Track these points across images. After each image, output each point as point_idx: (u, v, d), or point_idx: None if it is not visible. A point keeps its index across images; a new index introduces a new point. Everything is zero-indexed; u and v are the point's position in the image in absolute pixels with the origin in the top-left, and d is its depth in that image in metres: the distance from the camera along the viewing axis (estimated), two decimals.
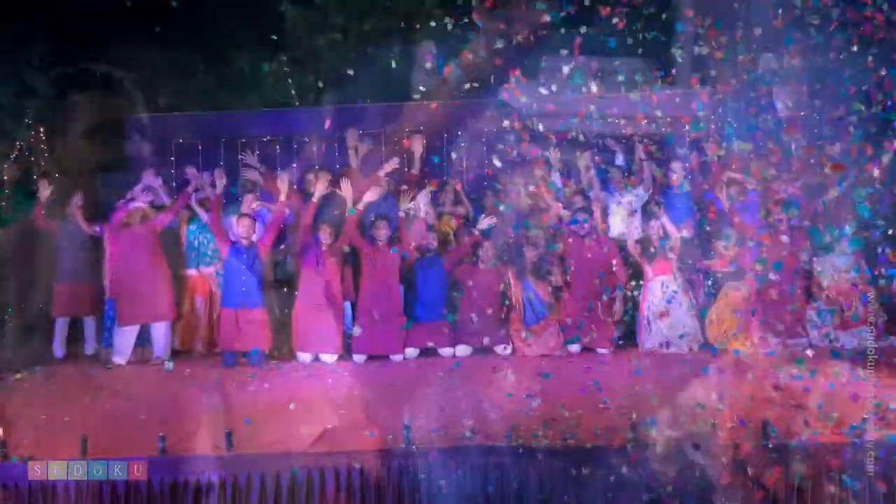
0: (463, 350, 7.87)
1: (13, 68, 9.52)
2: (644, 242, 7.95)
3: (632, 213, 8.32)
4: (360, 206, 7.86)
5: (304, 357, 7.81)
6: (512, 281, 7.94)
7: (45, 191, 8.40)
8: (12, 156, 9.51)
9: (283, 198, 7.89)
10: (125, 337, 7.95)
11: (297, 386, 6.86)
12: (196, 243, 8.33)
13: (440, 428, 5.20)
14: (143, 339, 8.08)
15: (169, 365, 7.72)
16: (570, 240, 7.95)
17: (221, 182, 7.91)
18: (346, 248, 7.99)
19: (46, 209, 8.42)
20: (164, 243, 8.40)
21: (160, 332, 8.02)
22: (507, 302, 7.99)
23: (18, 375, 7.64)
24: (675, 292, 7.75)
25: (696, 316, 7.82)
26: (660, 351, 7.66)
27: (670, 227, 7.89)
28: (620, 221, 8.39)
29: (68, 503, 4.82)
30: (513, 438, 5.00)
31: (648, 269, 7.89)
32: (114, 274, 7.95)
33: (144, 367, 7.82)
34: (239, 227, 7.83)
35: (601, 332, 7.79)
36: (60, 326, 8.42)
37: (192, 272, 8.36)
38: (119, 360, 7.94)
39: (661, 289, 7.80)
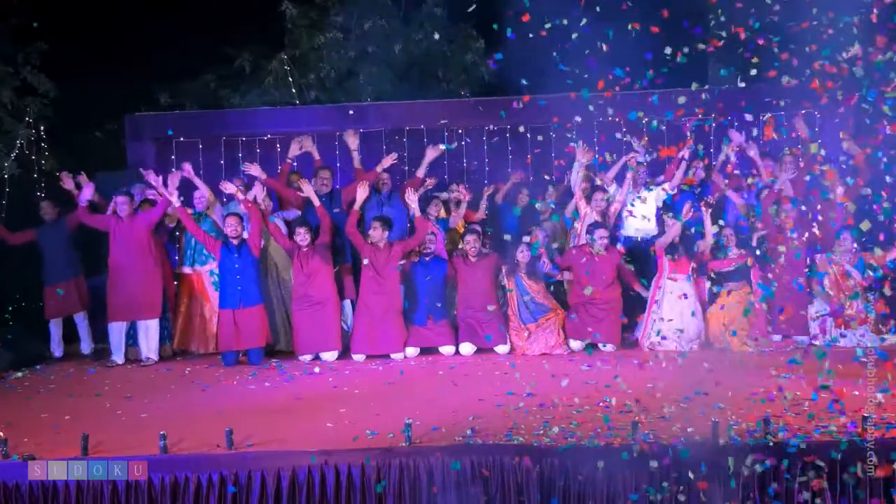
0: (465, 349, 7.87)
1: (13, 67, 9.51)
2: (674, 241, 7.79)
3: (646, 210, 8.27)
4: (356, 207, 7.85)
5: (305, 356, 7.81)
6: (506, 281, 7.95)
7: None
8: (12, 155, 9.52)
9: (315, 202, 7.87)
10: (115, 334, 7.96)
11: (297, 385, 6.87)
12: (193, 241, 8.27)
13: (440, 426, 5.21)
14: (136, 339, 8.10)
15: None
16: (584, 259, 7.87)
17: (175, 195, 7.77)
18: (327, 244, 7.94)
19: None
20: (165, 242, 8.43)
21: (147, 333, 7.98)
22: (504, 295, 8.01)
23: (19, 374, 7.65)
24: (684, 293, 7.72)
25: (701, 317, 7.81)
26: (660, 349, 7.65)
27: (709, 228, 7.74)
28: (638, 219, 8.34)
29: (68, 503, 4.83)
30: (513, 437, 5.00)
31: (667, 267, 7.81)
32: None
33: (144, 367, 7.82)
34: (226, 227, 7.80)
35: (608, 329, 7.78)
36: (55, 327, 8.42)
37: (187, 270, 8.34)
38: (118, 358, 7.94)
39: (675, 288, 7.72)
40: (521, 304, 7.87)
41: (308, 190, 7.91)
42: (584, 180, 8.41)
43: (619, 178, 8.56)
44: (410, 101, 10.25)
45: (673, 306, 7.68)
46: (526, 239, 7.97)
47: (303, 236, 7.79)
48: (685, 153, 8.30)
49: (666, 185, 8.41)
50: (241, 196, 7.87)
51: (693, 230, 7.89)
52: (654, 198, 8.39)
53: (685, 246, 7.79)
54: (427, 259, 7.96)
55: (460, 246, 8.49)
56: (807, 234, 7.79)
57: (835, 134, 8.23)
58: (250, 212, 7.80)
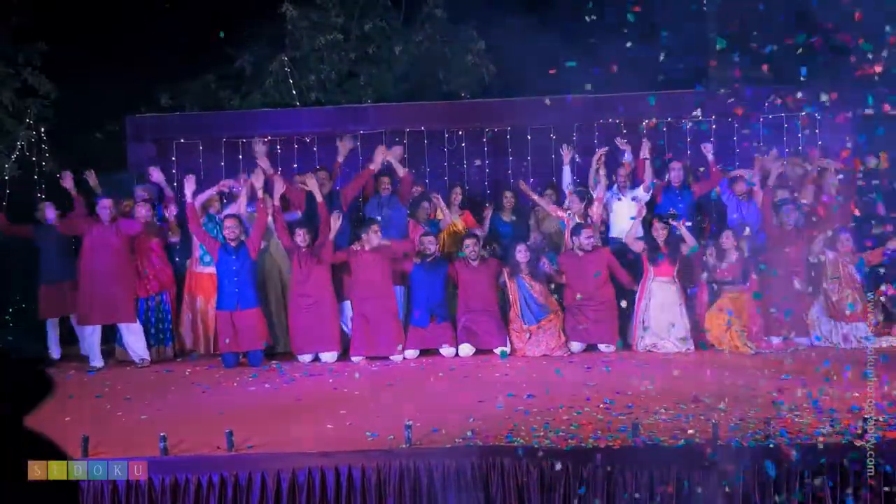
0: (465, 350, 7.86)
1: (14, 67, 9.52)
2: (650, 243, 7.88)
3: (634, 213, 8.26)
4: (331, 237, 7.80)
5: (304, 357, 7.81)
6: (507, 281, 7.94)
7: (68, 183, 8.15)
8: (13, 156, 9.52)
9: (318, 198, 7.87)
10: (89, 337, 7.92)
11: (297, 386, 6.86)
12: None
13: (440, 428, 5.20)
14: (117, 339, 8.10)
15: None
16: (569, 259, 7.94)
17: (191, 189, 7.78)
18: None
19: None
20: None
21: (133, 334, 7.94)
22: (506, 301, 8.01)
23: None
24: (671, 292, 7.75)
25: (692, 318, 7.81)
26: (655, 351, 7.67)
27: (688, 236, 7.80)
28: (623, 220, 8.33)
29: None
30: (514, 438, 5.00)
31: (651, 270, 7.86)
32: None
33: (143, 369, 7.82)
34: (225, 229, 7.78)
35: (605, 330, 7.79)
36: (51, 327, 8.37)
37: (207, 270, 8.21)
38: (97, 363, 7.89)
39: (660, 290, 7.77)
40: (523, 306, 7.85)
41: (313, 185, 7.89)
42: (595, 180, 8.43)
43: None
44: (411, 102, 10.24)
45: (660, 306, 7.70)
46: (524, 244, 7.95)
47: (302, 237, 7.78)
48: (646, 153, 8.35)
49: (640, 189, 8.41)
50: (259, 194, 7.81)
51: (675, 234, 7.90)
52: (634, 199, 8.37)
53: (670, 250, 7.80)
54: (429, 261, 7.96)
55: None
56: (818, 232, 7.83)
57: (835, 133, 8.24)
58: (259, 212, 7.80)
